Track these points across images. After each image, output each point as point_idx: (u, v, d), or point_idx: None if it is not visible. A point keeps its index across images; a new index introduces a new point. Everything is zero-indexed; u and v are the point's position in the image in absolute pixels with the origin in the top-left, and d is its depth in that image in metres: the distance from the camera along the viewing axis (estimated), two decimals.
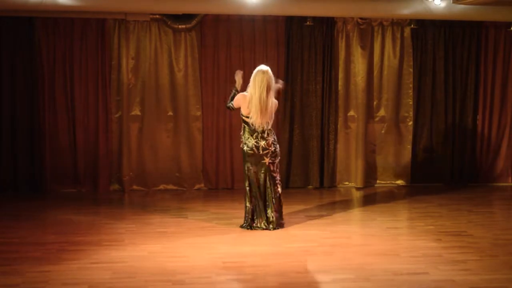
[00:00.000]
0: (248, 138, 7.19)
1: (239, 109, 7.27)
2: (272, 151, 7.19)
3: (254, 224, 7.33)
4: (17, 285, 5.38)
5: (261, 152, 7.16)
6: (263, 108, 7.03)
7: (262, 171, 7.20)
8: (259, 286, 5.54)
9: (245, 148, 7.23)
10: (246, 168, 7.28)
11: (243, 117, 7.21)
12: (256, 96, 7.03)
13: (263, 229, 7.25)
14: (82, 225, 7.43)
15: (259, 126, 7.11)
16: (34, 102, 9.16)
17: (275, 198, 7.21)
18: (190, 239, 6.89)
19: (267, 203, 7.23)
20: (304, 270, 5.94)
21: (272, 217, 7.22)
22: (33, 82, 9.13)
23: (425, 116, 10.14)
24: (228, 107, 7.44)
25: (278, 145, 7.31)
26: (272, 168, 7.21)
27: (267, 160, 7.18)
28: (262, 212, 7.28)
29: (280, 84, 7.47)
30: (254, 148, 7.16)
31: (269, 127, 7.20)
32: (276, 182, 7.25)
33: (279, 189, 7.27)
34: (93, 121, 9.35)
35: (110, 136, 9.43)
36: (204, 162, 9.70)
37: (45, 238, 6.85)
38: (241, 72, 7.54)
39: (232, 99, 7.35)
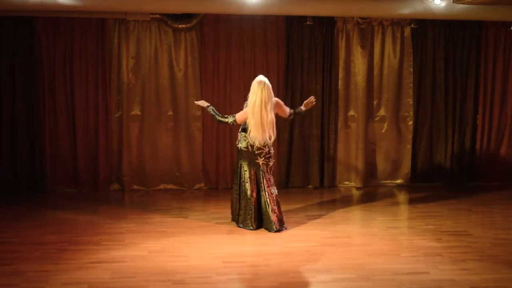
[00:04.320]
0: (244, 136, 7.18)
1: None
2: (266, 152, 7.15)
3: (240, 223, 7.34)
4: (17, 285, 5.38)
5: (255, 151, 7.14)
6: (263, 123, 6.95)
7: (256, 171, 7.19)
8: (259, 286, 5.54)
9: (239, 145, 7.24)
10: (239, 166, 7.28)
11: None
12: (254, 112, 6.93)
13: (251, 229, 7.21)
14: (82, 225, 7.43)
15: (260, 142, 7.07)
16: (34, 102, 9.15)
17: (271, 200, 7.18)
18: (190, 239, 6.89)
19: (263, 205, 7.19)
20: (304, 270, 5.94)
21: (272, 219, 7.16)
22: (33, 82, 9.13)
23: (425, 116, 10.14)
24: (225, 123, 7.36)
25: (272, 148, 7.26)
26: (266, 169, 7.19)
27: (260, 161, 7.16)
28: (253, 213, 7.21)
29: (312, 100, 7.58)
30: (248, 146, 7.15)
31: (272, 141, 7.12)
32: (271, 184, 7.21)
33: (275, 191, 7.23)
34: (93, 121, 9.35)
35: (110, 136, 9.43)
36: (204, 161, 9.69)
37: (45, 238, 6.84)
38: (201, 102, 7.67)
39: (218, 114, 7.32)
